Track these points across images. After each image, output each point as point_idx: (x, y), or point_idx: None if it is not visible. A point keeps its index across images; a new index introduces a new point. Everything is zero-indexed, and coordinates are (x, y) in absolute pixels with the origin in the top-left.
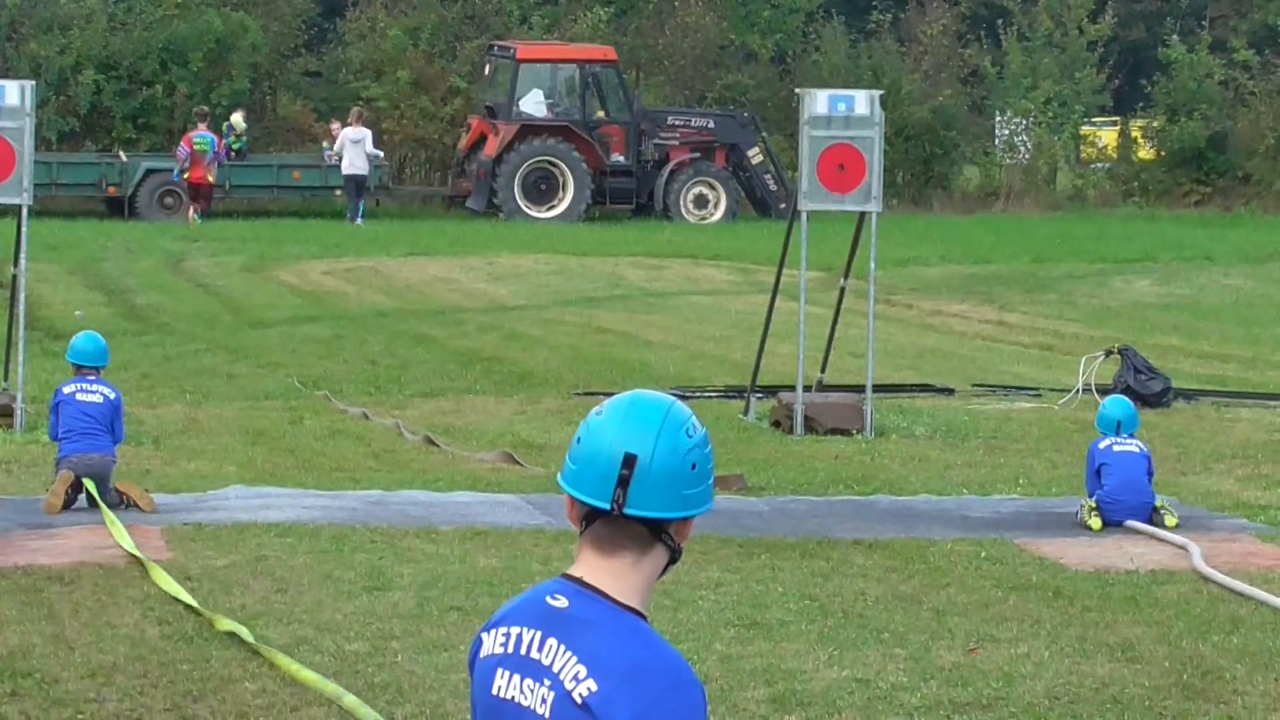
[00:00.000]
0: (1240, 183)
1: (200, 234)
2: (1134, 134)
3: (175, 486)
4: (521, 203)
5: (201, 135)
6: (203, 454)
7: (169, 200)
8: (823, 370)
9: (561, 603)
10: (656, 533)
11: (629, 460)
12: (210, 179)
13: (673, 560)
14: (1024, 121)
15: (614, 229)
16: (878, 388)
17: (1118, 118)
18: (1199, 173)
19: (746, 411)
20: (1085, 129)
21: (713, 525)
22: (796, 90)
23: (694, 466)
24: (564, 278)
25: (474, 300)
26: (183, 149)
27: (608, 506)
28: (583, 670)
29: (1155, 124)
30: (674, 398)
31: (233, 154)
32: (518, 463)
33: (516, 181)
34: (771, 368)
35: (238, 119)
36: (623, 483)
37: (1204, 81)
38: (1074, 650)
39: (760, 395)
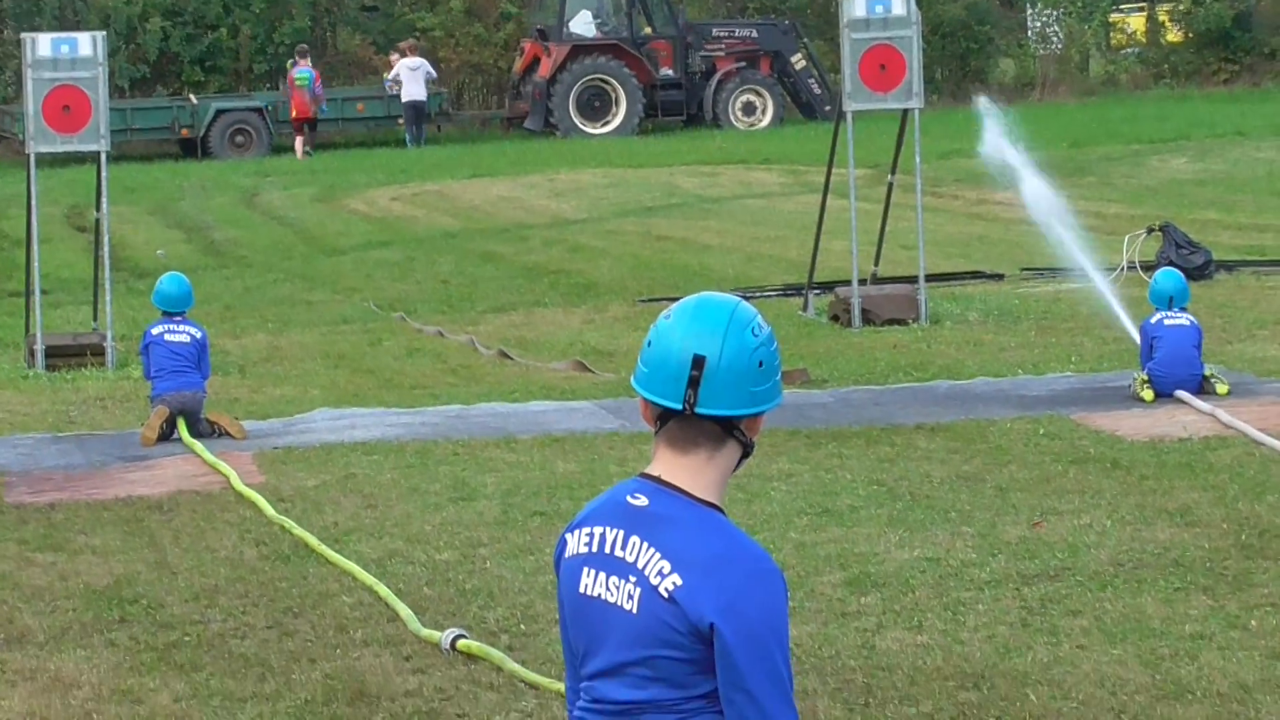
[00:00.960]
0: (1267, 59)
1: (272, 169)
2: (1161, 18)
3: (263, 413)
4: (577, 120)
5: (302, 71)
6: (287, 380)
7: (239, 139)
8: (876, 264)
9: (641, 501)
10: (729, 429)
11: (698, 361)
12: (313, 112)
13: (745, 455)
14: (1055, 12)
15: (667, 140)
16: (930, 277)
17: (1145, 3)
18: (1226, 52)
19: (805, 308)
20: (1114, 16)
21: (780, 419)
22: None
23: (760, 364)
24: (621, 190)
25: (536, 217)
26: (286, 86)
27: (680, 406)
28: (666, 565)
29: (1181, 7)
30: (738, 299)
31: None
32: (589, 370)
33: (571, 100)
34: (827, 264)
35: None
36: (693, 383)
37: None
38: (1134, 518)
39: (818, 291)
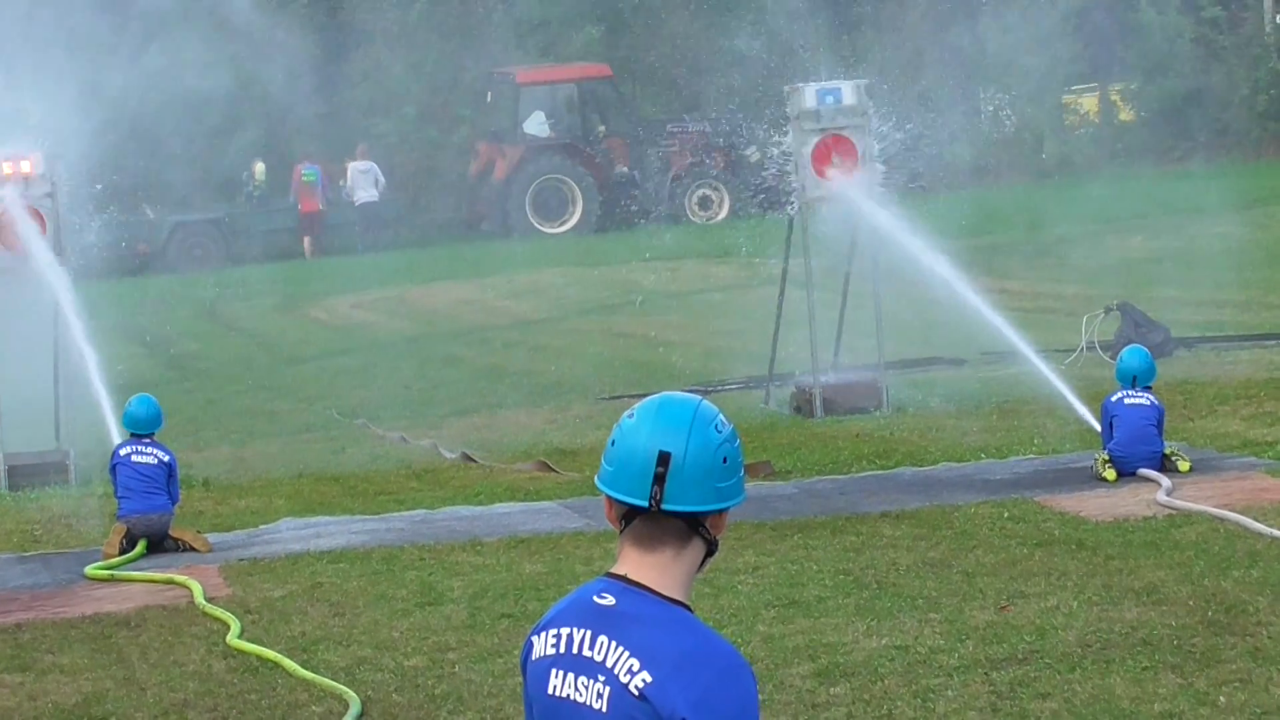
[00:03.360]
0: (1219, 135)
1: (229, 281)
2: (1113, 98)
3: (228, 524)
4: (534, 220)
5: (309, 169)
6: (251, 491)
7: (198, 252)
8: (836, 353)
9: (609, 600)
10: (694, 527)
11: (664, 458)
12: (320, 207)
13: (710, 553)
14: (1006, 96)
15: (625, 238)
16: (891, 364)
17: (1096, 84)
18: (1179, 129)
19: (767, 400)
20: (1066, 98)
21: (745, 512)
22: (784, 87)
23: (725, 460)
24: (581, 288)
25: (497, 318)
26: (293, 184)
27: (646, 504)
28: (636, 663)
29: (1133, 86)
30: (700, 397)
31: (255, 202)
32: (553, 470)
33: (527, 201)
34: (787, 356)
35: (260, 169)
36: (659, 480)
37: (1176, 41)
38: (1101, 599)
39: (778, 383)
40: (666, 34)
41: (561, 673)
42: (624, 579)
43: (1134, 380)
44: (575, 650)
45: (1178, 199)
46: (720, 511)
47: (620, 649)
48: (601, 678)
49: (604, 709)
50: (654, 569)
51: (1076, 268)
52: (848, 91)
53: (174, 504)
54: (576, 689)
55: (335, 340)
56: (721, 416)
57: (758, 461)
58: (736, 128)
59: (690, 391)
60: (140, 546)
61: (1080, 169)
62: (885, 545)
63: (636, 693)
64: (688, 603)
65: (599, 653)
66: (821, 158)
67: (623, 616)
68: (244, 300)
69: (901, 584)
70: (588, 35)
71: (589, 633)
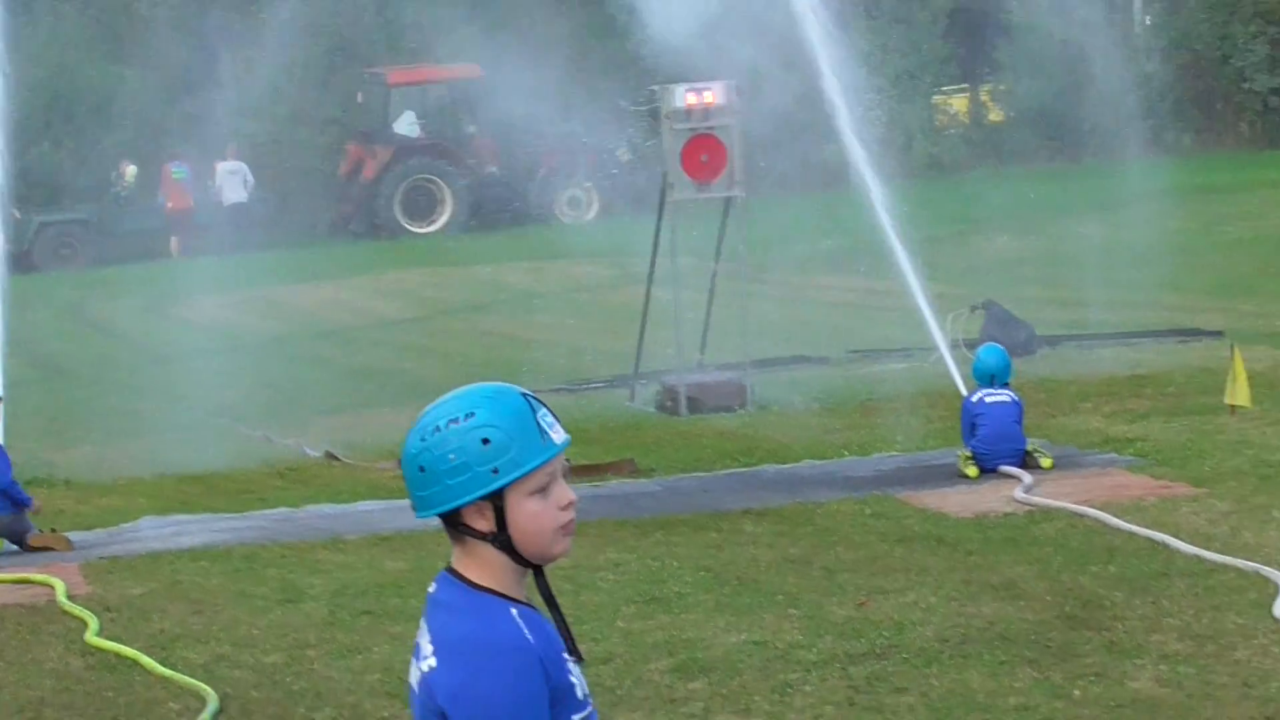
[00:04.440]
0: (1087, 135)
1: (96, 280)
2: (983, 98)
3: (89, 523)
4: (403, 220)
5: (178, 166)
6: (114, 490)
7: (64, 251)
8: (702, 352)
9: (433, 588)
10: (453, 524)
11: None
12: (190, 205)
13: (500, 545)
14: (878, 96)
15: (493, 238)
16: (756, 363)
17: (966, 85)
18: (1047, 130)
19: (632, 398)
20: (936, 98)
21: (608, 509)
22: (653, 87)
23: (422, 469)
24: (448, 288)
25: (363, 318)
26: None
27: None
28: (430, 649)
29: (1003, 87)
30: (466, 394)
31: (123, 201)
32: None
33: (396, 201)
34: (654, 355)
35: (130, 171)
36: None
37: (1046, 42)
38: (960, 594)
39: (644, 381)
40: (539, 35)
41: (411, 660)
42: (449, 568)
43: (992, 379)
44: (417, 638)
45: (1044, 199)
46: (453, 511)
47: (427, 634)
48: (417, 663)
49: (416, 690)
50: (460, 560)
51: (943, 267)
52: (718, 91)
53: (23, 507)
54: (411, 673)
55: (201, 340)
56: (447, 421)
57: (621, 459)
58: (607, 126)
59: (556, 390)
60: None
61: (949, 169)
62: (746, 542)
63: (425, 675)
64: (506, 591)
65: (421, 638)
66: (692, 157)
67: (436, 604)
68: (110, 300)
69: (762, 580)
70: (459, 36)
71: (423, 621)
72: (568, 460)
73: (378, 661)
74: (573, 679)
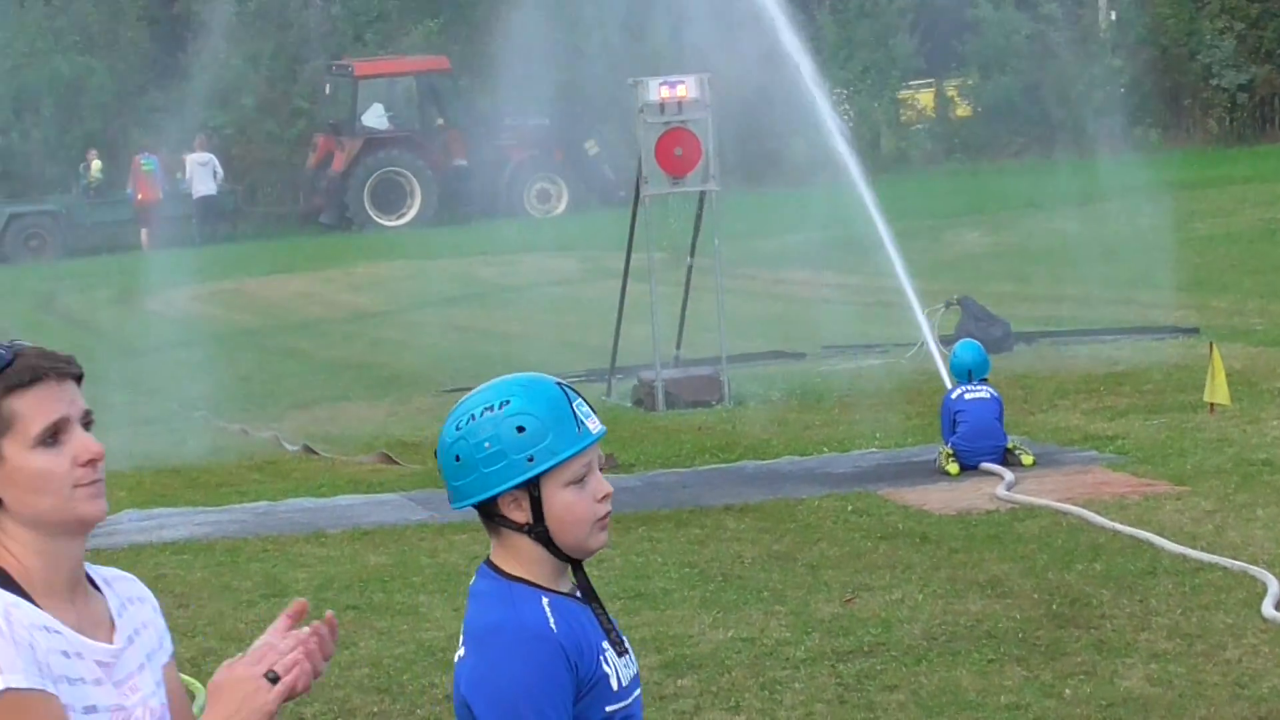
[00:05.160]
0: (1055, 130)
1: (66, 272)
2: (950, 93)
3: None
4: (372, 213)
5: (147, 158)
6: None
7: (34, 243)
8: (678, 346)
9: (472, 582)
10: (488, 515)
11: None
12: (159, 197)
13: (536, 536)
14: (845, 91)
15: (463, 230)
16: (732, 358)
17: (932, 79)
18: (1016, 124)
19: (609, 393)
20: (903, 93)
21: None
22: (629, 80)
23: (458, 458)
24: (420, 281)
25: (336, 311)
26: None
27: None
28: (463, 637)
29: (970, 82)
30: (501, 384)
31: (91, 193)
32: (395, 462)
33: (366, 193)
34: (629, 349)
35: (96, 164)
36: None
37: (1013, 36)
38: (946, 591)
39: (620, 376)
40: (505, 27)
41: None
42: (487, 560)
43: (969, 374)
44: None
45: (1013, 195)
46: (490, 500)
47: (464, 624)
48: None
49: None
50: (498, 550)
51: (914, 262)
52: (691, 84)
53: None
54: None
55: (174, 332)
56: (482, 410)
57: (601, 454)
58: (577, 119)
59: None
60: None
61: (916, 164)
62: (730, 538)
63: (457, 668)
64: (540, 582)
65: (463, 627)
66: (665, 151)
67: (472, 595)
68: (81, 292)
69: (747, 576)
70: (427, 28)
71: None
72: (609, 454)
73: (365, 656)
74: (607, 669)
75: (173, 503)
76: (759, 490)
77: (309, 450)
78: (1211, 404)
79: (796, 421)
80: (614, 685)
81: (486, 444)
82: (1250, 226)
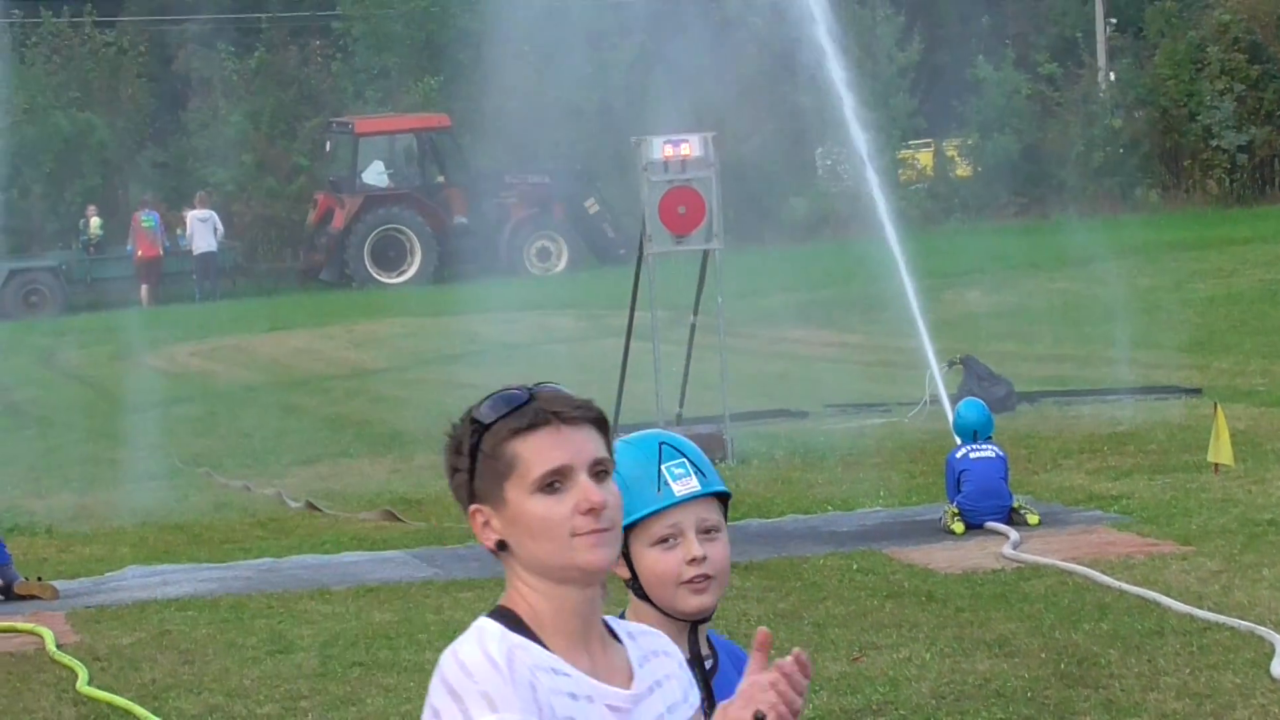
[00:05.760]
0: (1055, 191)
1: (65, 328)
2: (950, 153)
3: (73, 572)
4: (372, 270)
5: (147, 214)
6: (95, 538)
7: (33, 299)
8: (681, 405)
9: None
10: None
11: None
12: (159, 253)
13: (640, 595)
14: (843, 150)
15: (463, 288)
16: (735, 416)
17: (931, 139)
18: (1015, 184)
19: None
20: (903, 152)
21: None
22: (632, 138)
23: None
24: (421, 339)
25: (337, 368)
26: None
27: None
28: None
29: (970, 142)
30: (621, 438)
31: (91, 249)
32: (399, 519)
33: (365, 250)
34: (632, 407)
35: (95, 221)
36: None
37: (1013, 97)
38: (953, 650)
39: (623, 433)
40: (505, 86)
41: None
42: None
43: (974, 434)
44: None
45: (1015, 254)
46: None
47: None
48: None
49: None
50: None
51: (916, 322)
52: (695, 143)
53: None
54: None
55: (175, 388)
56: None
57: None
58: (578, 178)
59: None
60: None
61: (915, 223)
62: (735, 596)
63: None
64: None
65: None
66: (669, 210)
67: None
68: (82, 348)
69: (752, 634)
70: (426, 85)
71: None
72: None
73: (372, 713)
74: None
75: (177, 559)
76: (763, 549)
77: (312, 507)
78: (1216, 464)
79: (800, 480)
80: None
81: None
82: (1251, 287)
